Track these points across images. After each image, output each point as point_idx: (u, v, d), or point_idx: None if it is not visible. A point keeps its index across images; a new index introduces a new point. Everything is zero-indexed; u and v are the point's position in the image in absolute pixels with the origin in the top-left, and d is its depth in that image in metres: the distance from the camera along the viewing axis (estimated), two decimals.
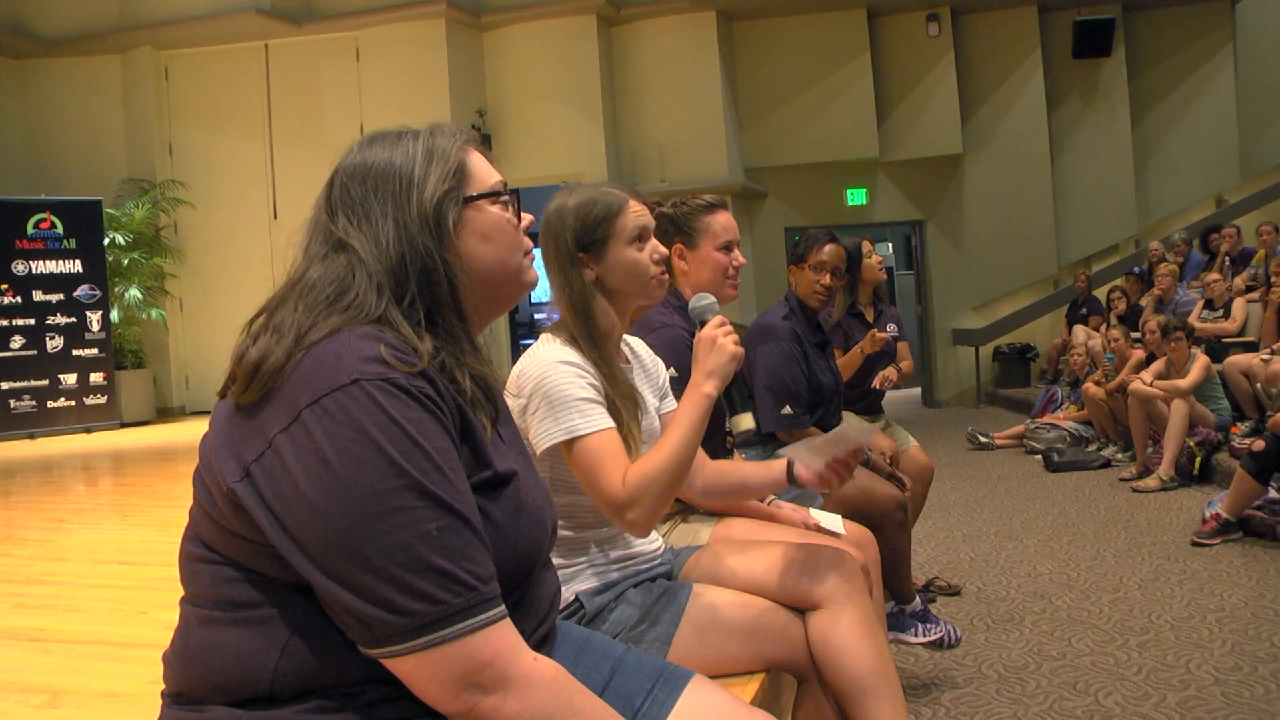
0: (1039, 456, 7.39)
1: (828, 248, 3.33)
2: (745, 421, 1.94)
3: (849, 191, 11.70)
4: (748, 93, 11.36)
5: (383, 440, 0.98)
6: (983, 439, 8.24)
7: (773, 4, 11.03)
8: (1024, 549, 4.94)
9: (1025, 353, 11.44)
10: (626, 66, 10.97)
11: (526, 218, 1.30)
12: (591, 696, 1.08)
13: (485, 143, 10.20)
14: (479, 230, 1.21)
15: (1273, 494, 4.81)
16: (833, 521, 2.41)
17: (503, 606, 1.03)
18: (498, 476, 1.11)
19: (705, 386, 1.77)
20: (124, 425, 10.01)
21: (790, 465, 1.99)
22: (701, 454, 2.06)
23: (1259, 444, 4.64)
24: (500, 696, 1.00)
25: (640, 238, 1.94)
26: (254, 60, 10.67)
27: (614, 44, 10.98)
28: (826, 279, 3.27)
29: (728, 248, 2.56)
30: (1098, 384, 7.46)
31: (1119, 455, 7.06)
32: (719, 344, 1.79)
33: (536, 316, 13.44)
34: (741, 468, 2.11)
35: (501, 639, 1.01)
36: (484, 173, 1.24)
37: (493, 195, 1.23)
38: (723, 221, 2.57)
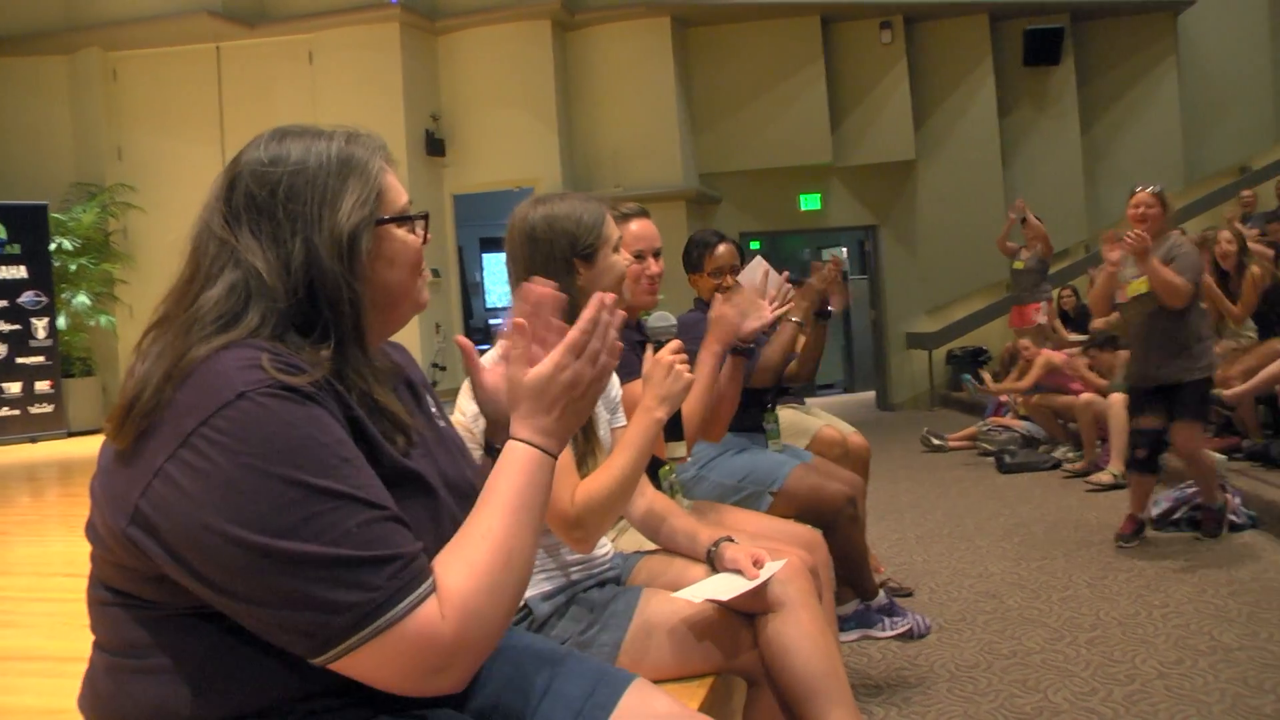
0: (991, 458, 7.48)
1: (720, 249, 3.35)
2: (678, 450, 1.95)
3: (803, 197, 11.78)
4: (702, 98, 11.40)
5: (282, 448, 0.97)
6: (936, 441, 8.32)
7: (727, 10, 11.10)
8: (976, 549, 4.99)
9: (977, 356, 11.56)
10: (581, 72, 10.97)
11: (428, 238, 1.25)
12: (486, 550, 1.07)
13: (435, 148, 10.23)
14: (387, 254, 1.15)
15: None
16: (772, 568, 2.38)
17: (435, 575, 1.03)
18: (403, 477, 1.10)
19: (657, 411, 1.77)
20: (71, 434, 9.82)
21: (717, 547, 1.97)
22: (644, 478, 2.05)
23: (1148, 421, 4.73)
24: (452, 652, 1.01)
25: (620, 245, 1.99)
26: (205, 62, 10.52)
27: (569, 49, 10.98)
28: (727, 280, 3.28)
29: (640, 256, 2.57)
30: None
31: (1070, 455, 7.16)
32: (675, 370, 1.79)
33: (491, 323, 13.36)
34: (675, 529, 2.08)
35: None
36: (395, 192, 1.18)
37: (404, 219, 1.18)
38: (634, 230, 2.58)
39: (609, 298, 1.18)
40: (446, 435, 1.31)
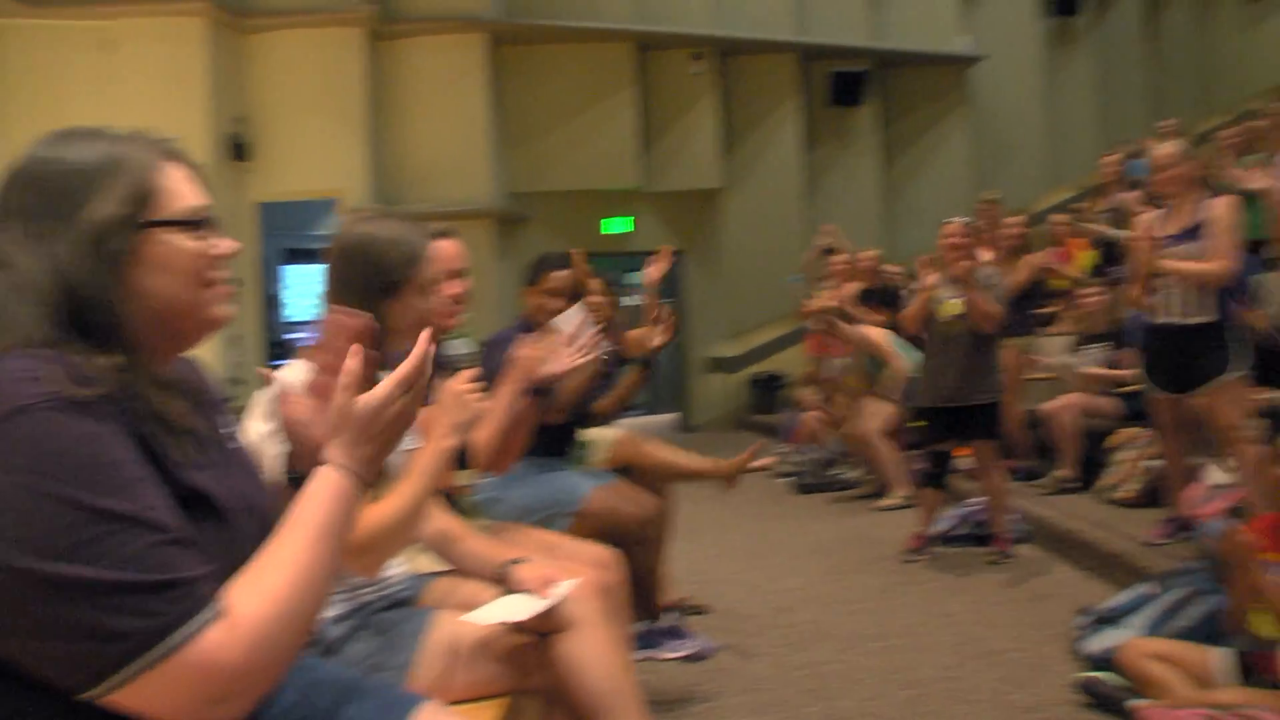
0: (789, 479, 7.74)
1: (561, 274, 3.37)
2: (464, 478, 1.95)
3: (611, 220, 11.91)
4: (515, 117, 11.37)
5: (62, 467, 0.92)
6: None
7: (544, 31, 11.15)
8: (771, 567, 5.16)
9: (776, 380, 11.96)
10: (394, 83, 10.74)
11: (224, 245, 1.17)
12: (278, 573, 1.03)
13: (239, 152, 9.74)
14: (155, 260, 1.09)
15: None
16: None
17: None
18: (195, 497, 1.06)
19: (447, 440, 1.76)
20: None
21: (509, 568, 1.97)
22: (437, 500, 2.04)
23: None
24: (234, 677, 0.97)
25: (439, 279, 1.98)
26: None
27: (382, 59, 10.71)
28: (559, 304, 3.29)
29: (446, 276, 2.55)
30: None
31: (864, 476, 7.46)
32: (466, 400, 1.79)
33: (288, 337, 12.77)
34: (467, 551, 2.07)
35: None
36: (175, 195, 1.12)
37: (176, 222, 1.11)
38: (437, 251, 2.55)
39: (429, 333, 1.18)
40: (240, 455, 1.26)
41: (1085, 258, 7.30)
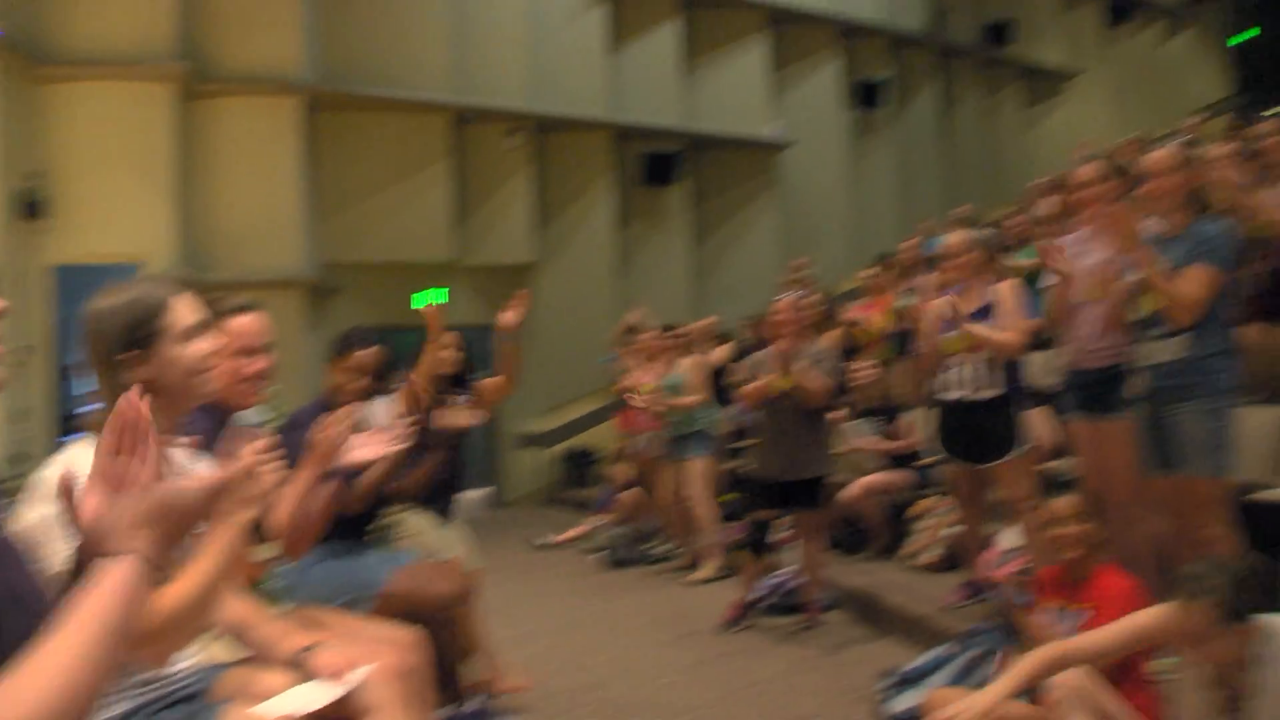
0: (602, 554, 7.68)
1: (366, 351, 3.27)
2: (261, 553, 1.84)
3: (424, 293, 11.69)
4: (329, 185, 11.11)
5: None
6: (547, 539, 8.44)
7: (360, 99, 11.01)
8: (582, 643, 5.09)
9: (588, 455, 11.96)
10: (204, 144, 10.26)
11: None
12: None
13: (32, 210, 9.00)
14: None
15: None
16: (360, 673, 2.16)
17: None
18: None
19: (238, 516, 1.68)
20: None
21: (305, 654, 1.89)
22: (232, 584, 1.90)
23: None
24: None
25: (191, 334, 1.86)
26: None
27: (193, 118, 10.20)
28: (363, 382, 3.17)
29: (241, 353, 2.42)
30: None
31: (676, 550, 7.49)
32: (256, 473, 1.69)
33: (79, 410, 11.94)
34: (262, 637, 1.96)
35: None
36: None
37: None
38: (234, 327, 2.43)
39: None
40: (8, 545, 1.15)
41: (888, 318, 7.55)
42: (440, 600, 3.02)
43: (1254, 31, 19.40)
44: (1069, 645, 2.55)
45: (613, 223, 12.52)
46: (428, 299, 4.25)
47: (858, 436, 6.44)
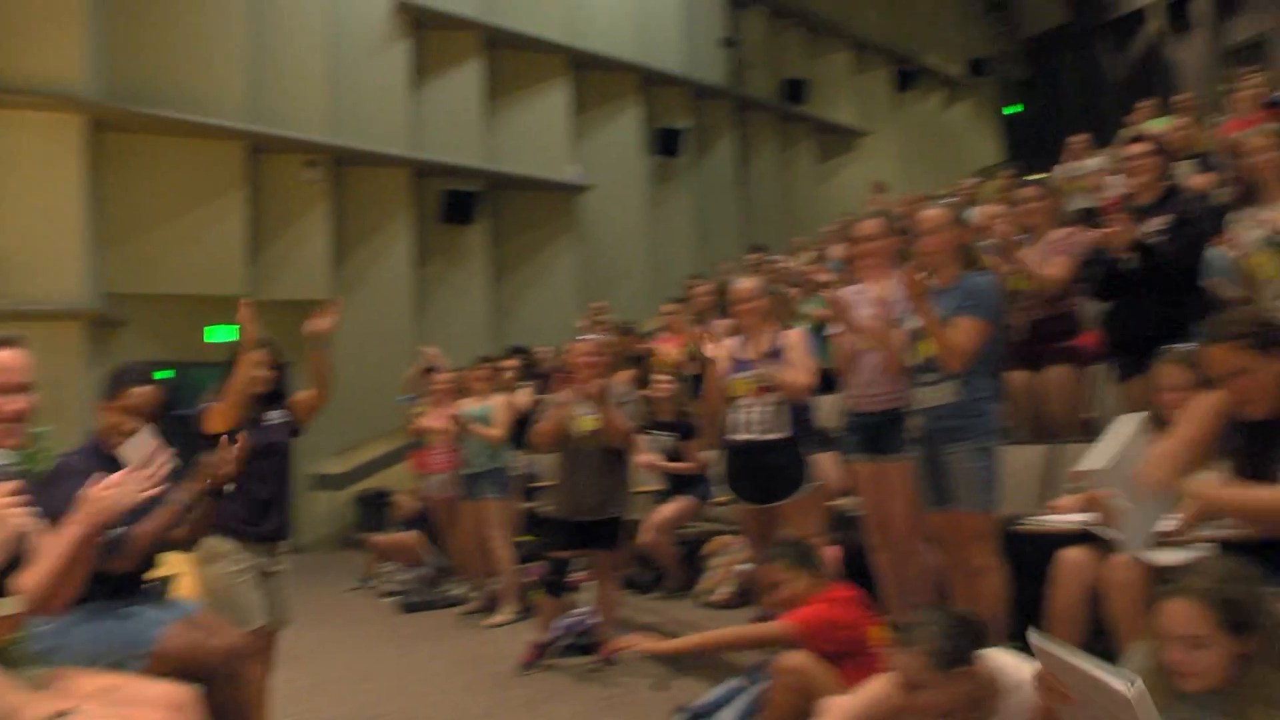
0: (394, 599, 7.46)
1: (142, 390, 3.04)
2: (6, 607, 1.70)
3: (214, 329, 11.15)
4: (115, 211, 10.42)
5: None
6: (355, 584, 8.16)
7: (150, 120, 10.41)
8: (375, 691, 4.93)
9: (383, 497, 11.64)
10: None
11: None
12: None
13: None
14: None
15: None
16: None
17: None
18: None
19: None
20: None
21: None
22: None
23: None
24: None
25: None
26: None
27: None
28: (136, 423, 2.91)
29: (3, 390, 2.23)
30: None
31: (471, 593, 7.34)
32: (3, 515, 1.56)
33: None
34: (5, 709, 1.82)
35: None
36: None
37: None
38: None
39: None
40: None
41: (682, 353, 7.71)
42: (220, 653, 2.83)
43: (1019, 107, 21.34)
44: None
45: (411, 260, 12.35)
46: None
47: (646, 451, 6.42)
